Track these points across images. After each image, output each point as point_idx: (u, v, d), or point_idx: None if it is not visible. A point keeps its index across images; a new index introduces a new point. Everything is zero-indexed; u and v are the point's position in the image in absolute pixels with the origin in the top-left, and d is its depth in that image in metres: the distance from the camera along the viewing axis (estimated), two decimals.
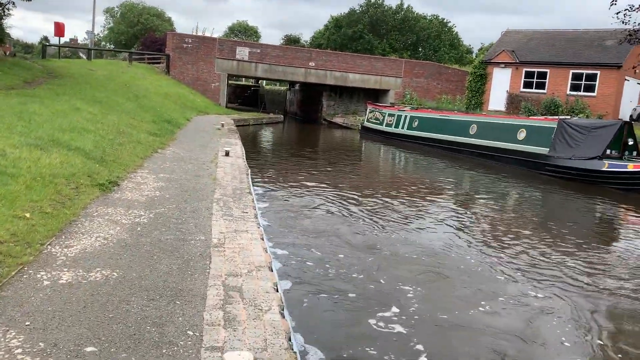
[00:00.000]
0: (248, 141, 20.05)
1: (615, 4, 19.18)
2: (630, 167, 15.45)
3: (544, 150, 17.97)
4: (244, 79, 51.47)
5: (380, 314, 5.50)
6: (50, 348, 3.39)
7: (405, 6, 58.44)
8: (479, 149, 20.78)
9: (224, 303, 4.30)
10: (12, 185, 6.11)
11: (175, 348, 3.55)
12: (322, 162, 18.10)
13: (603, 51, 27.82)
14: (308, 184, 12.89)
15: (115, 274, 4.69)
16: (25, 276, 4.43)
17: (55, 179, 6.91)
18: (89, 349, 3.44)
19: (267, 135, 26.99)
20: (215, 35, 42.81)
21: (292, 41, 60.29)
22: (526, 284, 6.82)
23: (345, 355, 4.66)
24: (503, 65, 30.54)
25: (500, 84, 30.84)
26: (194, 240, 5.86)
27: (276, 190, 11.87)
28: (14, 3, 20.89)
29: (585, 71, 27.81)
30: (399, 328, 5.22)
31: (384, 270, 6.89)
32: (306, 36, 68.69)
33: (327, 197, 11.25)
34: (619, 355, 5.10)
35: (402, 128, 25.94)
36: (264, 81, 53.20)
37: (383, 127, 27.55)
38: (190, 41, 32.34)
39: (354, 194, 11.85)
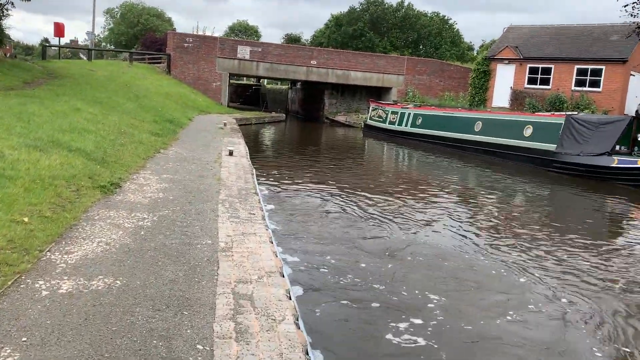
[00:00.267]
0: (251, 140, 19.76)
1: None
2: None
3: (551, 146, 17.67)
4: (245, 78, 51.21)
5: (399, 325, 5.23)
6: None
7: (405, 4, 58.16)
8: (484, 146, 20.49)
9: (235, 313, 4.03)
10: (10, 188, 5.85)
11: None
12: (326, 160, 17.82)
13: (608, 46, 27.47)
14: (313, 183, 12.63)
15: (118, 282, 4.43)
16: (22, 286, 4.17)
17: (55, 181, 6.63)
18: None
19: (269, 134, 26.72)
20: (216, 35, 42.48)
21: (292, 40, 59.98)
22: (551, 289, 6.52)
23: None
24: (507, 62, 30.18)
25: (504, 80, 30.46)
26: (200, 245, 5.60)
27: (282, 190, 11.60)
28: (12, 3, 20.57)
29: (590, 66, 27.46)
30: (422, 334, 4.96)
31: (401, 276, 6.61)
32: (307, 35, 68.27)
33: (333, 197, 10.98)
34: None
35: (406, 126, 25.66)
36: (266, 80, 52.93)
37: (386, 125, 27.26)
38: (191, 40, 32.05)
39: (361, 194, 11.57)
